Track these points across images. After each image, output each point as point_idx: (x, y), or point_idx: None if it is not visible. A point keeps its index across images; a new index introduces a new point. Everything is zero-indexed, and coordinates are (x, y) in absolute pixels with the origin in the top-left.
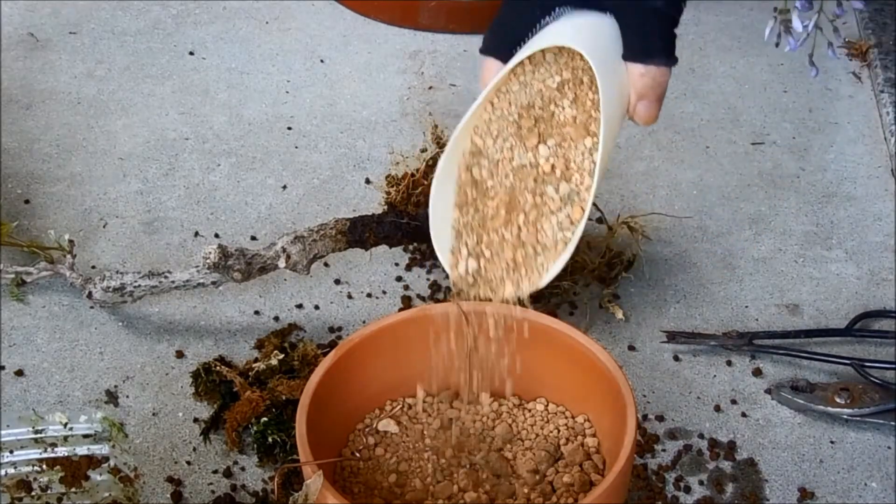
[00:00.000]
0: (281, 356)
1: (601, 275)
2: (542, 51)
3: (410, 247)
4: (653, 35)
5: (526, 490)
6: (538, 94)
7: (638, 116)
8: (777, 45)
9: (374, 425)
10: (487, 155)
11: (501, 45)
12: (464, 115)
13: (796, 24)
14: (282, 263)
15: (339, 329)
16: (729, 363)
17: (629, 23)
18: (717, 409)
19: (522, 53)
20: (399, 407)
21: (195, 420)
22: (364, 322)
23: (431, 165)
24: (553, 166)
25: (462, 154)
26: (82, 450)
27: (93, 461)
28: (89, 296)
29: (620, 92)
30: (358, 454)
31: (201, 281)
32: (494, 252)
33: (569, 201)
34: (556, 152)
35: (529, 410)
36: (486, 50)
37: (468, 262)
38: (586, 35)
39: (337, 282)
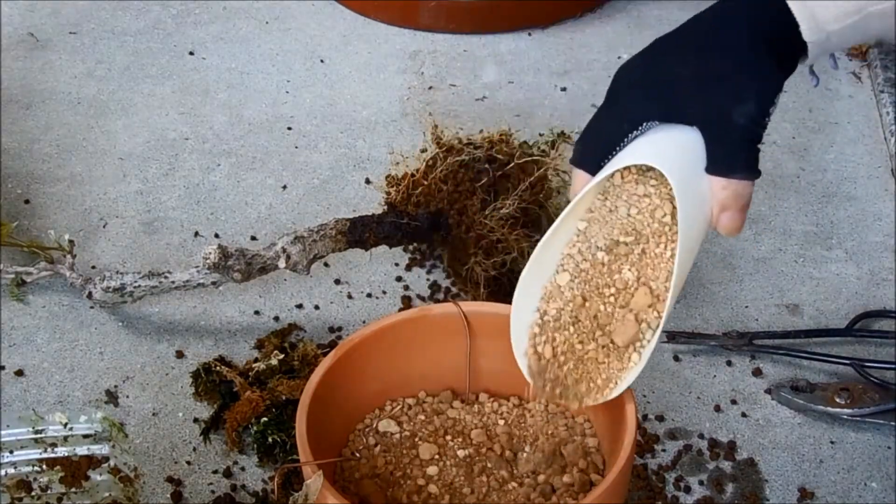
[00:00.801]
0: (281, 356)
1: None
2: (630, 168)
3: (410, 247)
4: (736, 150)
5: (526, 490)
6: (626, 218)
7: (721, 227)
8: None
9: (374, 425)
10: (571, 275)
11: (590, 158)
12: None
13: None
14: (282, 264)
15: (339, 329)
16: (729, 363)
17: (713, 137)
18: (717, 409)
19: (605, 171)
20: (399, 407)
21: (195, 420)
22: (364, 322)
23: (431, 165)
24: (636, 279)
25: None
26: (82, 450)
27: (93, 461)
28: (89, 296)
29: (701, 205)
30: (358, 454)
31: (201, 281)
32: (571, 358)
33: (646, 312)
34: (638, 265)
35: (529, 410)
36: (575, 161)
37: (549, 367)
38: (668, 152)
39: (337, 282)
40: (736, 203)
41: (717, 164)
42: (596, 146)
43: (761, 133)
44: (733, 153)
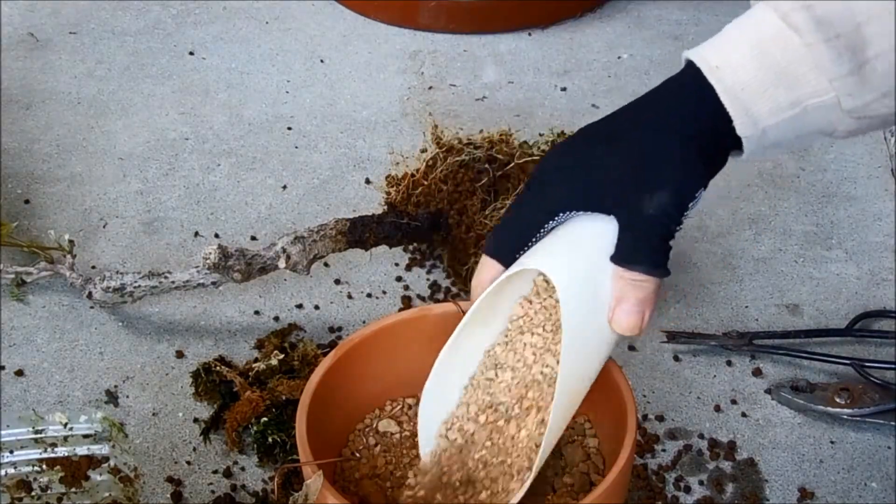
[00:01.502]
0: (281, 356)
1: None
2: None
3: (410, 247)
4: (640, 242)
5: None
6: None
7: (614, 322)
8: None
9: (374, 425)
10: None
11: (504, 248)
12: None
13: None
14: (282, 264)
15: (339, 329)
16: (729, 363)
17: (622, 227)
18: (717, 409)
19: (497, 281)
20: (399, 407)
21: (195, 420)
22: (364, 322)
23: (431, 165)
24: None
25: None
26: (82, 450)
27: (93, 461)
28: (89, 296)
29: (598, 305)
30: (358, 454)
31: (201, 281)
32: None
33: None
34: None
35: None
36: (489, 251)
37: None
38: (566, 250)
39: (337, 282)
40: (633, 295)
41: (620, 253)
42: (511, 236)
43: (673, 228)
44: (637, 244)
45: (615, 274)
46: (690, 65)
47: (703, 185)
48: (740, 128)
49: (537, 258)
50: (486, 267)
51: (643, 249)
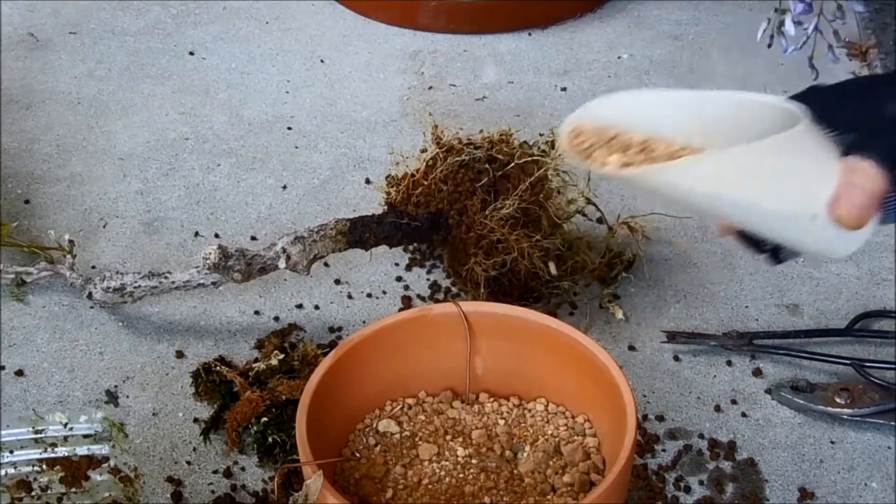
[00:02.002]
0: (281, 356)
1: (601, 275)
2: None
3: (410, 247)
4: (881, 136)
5: (526, 490)
6: None
7: (841, 211)
8: (769, 45)
9: (374, 425)
10: None
11: None
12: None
13: (788, 26)
14: (282, 264)
15: (339, 329)
16: (729, 363)
17: (863, 129)
18: (718, 409)
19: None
20: (399, 407)
21: (195, 420)
22: (364, 322)
23: (431, 165)
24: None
25: None
26: (82, 450)
27: (93, 461)
28: (89, 296)
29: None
30: (358, 454)
31: (201, 281)
32: None
33: None
34: None
35: (529, 410)
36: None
37: None
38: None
39: (337, 282)
40: (863, 185)
41: (858, 143)
42: None
43: None
44: (877, 137)
45: (843, 167)
46: None
47: None
48: None
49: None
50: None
51: (882, 143)
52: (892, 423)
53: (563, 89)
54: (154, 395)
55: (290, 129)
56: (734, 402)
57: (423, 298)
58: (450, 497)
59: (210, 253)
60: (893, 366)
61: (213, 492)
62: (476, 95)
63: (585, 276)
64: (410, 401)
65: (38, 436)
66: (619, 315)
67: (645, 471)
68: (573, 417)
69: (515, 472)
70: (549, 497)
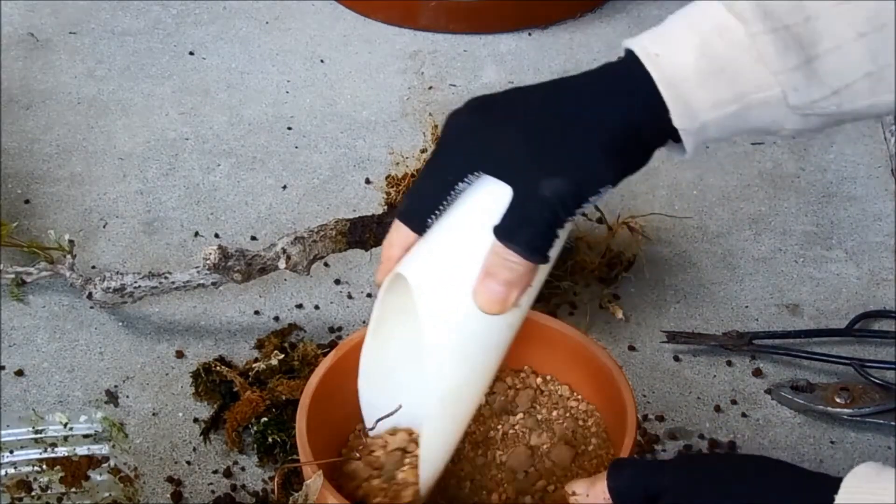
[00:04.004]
0: (281, 356)
1: (601, 275)
2: None
3: None
4: (524, 221)
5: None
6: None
7: (475, 295)
8: None
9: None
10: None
11: (414, 214)
12: None
13: None
14: (282, 264)
15: (339, 329)
16: (729, 363)
17: (513, 202)
18: (718, 409)
19: (382, 290)
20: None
21: (195, 420)
22: (364, 322)
23: None
24: None
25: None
26: (82, 450)
27: (93, 461)
28: (89, 296)
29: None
30: (358, 454)
31: (201, 282)
32: None
33: None
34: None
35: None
36: (401, 215)
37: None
38: (439, 247)
39: (337, 282)
40: (502, 274)
41: (501, 227)
42: (422, 201)
43: (563, 218)
44: (521, 222)
45: (491, 248)
46: (630, 53)
47: (610, 182)
48: (677, 119)
49: (408, 260)
50: (397, 231)
51: (525, 229)
52: (892, 423)
53: None
54: (154, 395)
55: (290, 129)
56: (734, 402)
57: None
58: (450, 496)
59: (210, 253)
60: (893, 366)
61: (213, 492)
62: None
63: (585, 276)
64: None
65: (38, 436)
66: (619, 315)
67: None
68: (575, 420)
69: (512, 471)
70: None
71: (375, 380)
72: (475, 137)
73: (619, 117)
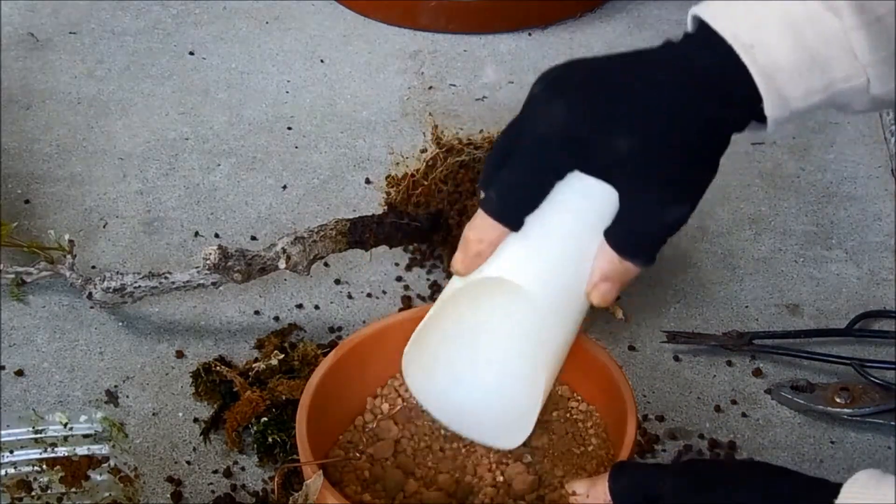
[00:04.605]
0: (281, 356)
1: None
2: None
3: (410, 247)
4: (647, 242)
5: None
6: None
7: (594, 294)
8: None
9: (374, 425)
10: None
11: (512, 212)
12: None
13: None
14: (282, 264)
15: (339, 329)
16: (729, 363)
17: (632, 220)
18: (718, 409)
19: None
20: (399, 408)
21: (195, 420)
22: (364, 322)
23: (431, 166)
24: None
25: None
26: (82, 450)
27: (93, 461)
28: (89, 296)
29: (580, 267)
30: (358, 454)
31: (201, 282)
32: None
33: None
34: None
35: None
36: (494, 212)
37: None
38: (548, 250)
39: (337, 282)
40: (618, 279)
41: (619, 241)
42: (522, 199)
43: (675, 230)
44: (641, 240)
45: (606, 253)
46: (714, 35)
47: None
48: (771, 109)
49: (511, 262)
50: (492, 227)
51: (646, 246)
52: (892, 423)
53: None
54: (154, 395)
55: (290, 129)
56: (734, 402)
57: (423, 298)
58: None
59: (210, 253)
60: (893, 366)
61: (213, 492)
62: (476, 95)
63: None
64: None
65: (38, 436)
66: (619, 315)
67: None
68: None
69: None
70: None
71: (425, 364)
72: (580, 135)
73: (727, 119)
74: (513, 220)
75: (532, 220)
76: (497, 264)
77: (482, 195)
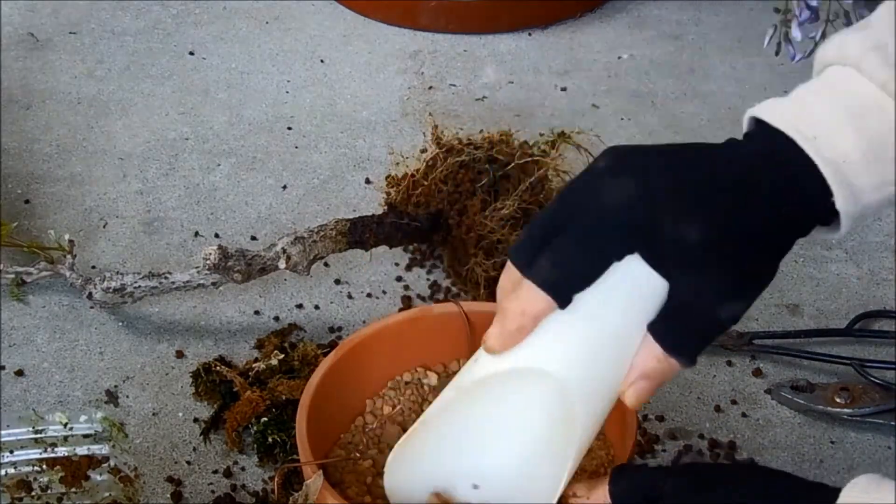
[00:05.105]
0: (281, 356)
1: None
2: None
3: (410, 247)
4: (696, 339)
5: None
6: None
7: (631, 394)
8: (777, 53)
9: (375, 425)
10: None
11: (564, 288)
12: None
13: (795, 33)
14: (282, 264)
15: (339, 329)
16: (729, 363)
17: (682, 315)
18: (718, 409)
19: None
20: (398, 408)
21: (195, 420)
22: (364, 322)
23: (431, 166)
24: None
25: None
26: (82, 450)
27: (93, 461)
28: (89, 296)
29: (621, 359)
30: (358, 454)
31: (201, 282)
32: None
33: None
34: None
35: None
36: (544, 283)
37: None
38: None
39: (337, 282)
40: (658, 378)
41: (666, 338)
42: (577, 276)
43: (726, 328)
44: (690, 339)
45: (649, 349)
46: (774, 132)
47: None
48: (842, 203)
49: (547, 349)
50: (537, 300)
51: (693, 343)
52: (892, 423)
53: (563, 89)
54: (154, 395)
55: (290, 129)
56: (734, 402)
57: (423, 298)
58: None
59: (210, 253)
60: (893, 366)
61: (213, 492)
62: (476, 95)
63: None
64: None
65: (38, 436)
66: None
67: None
68: None
69: None
70: None
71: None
72: (648, 217)
73: (791, 218)
74: (564, 295)
75: (577, 302)
76: (532, 350)
77: (516, 259)
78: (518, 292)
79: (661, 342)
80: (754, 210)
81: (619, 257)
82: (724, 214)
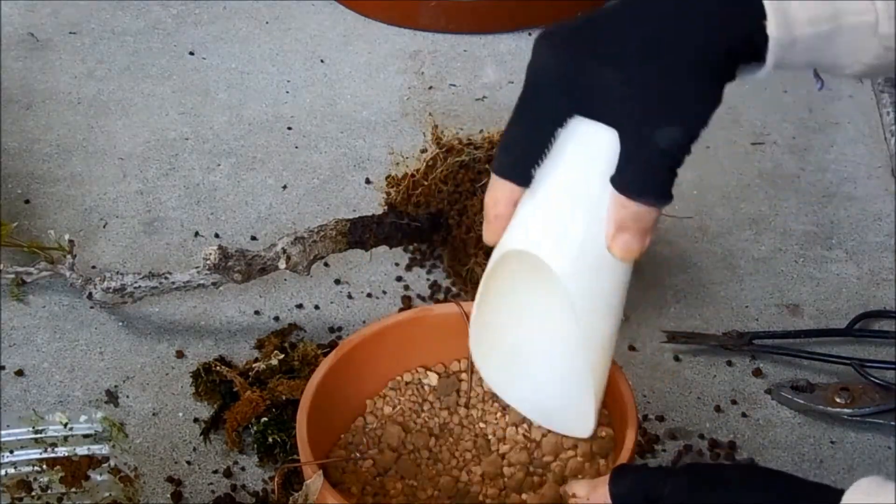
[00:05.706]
0: (281, 356)
1: None
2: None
3: (410, 247)
4: (648, 174)
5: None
6: None
7: (615, 248)
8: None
9: (376, 426)
10: None
11: (517, 166)
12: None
13: None
14: (282, 264)
15: (339, 329)
16: (729, 363)
17: (628, 154)
18: (718, 409)
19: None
20: (399, 408)
21: (195, 420)
22: (364, 322)
23: (431, 166)
24: None
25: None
26: (82, 450)
27: (93, 461)
28: (89, 296)
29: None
30: (358, 454)
31: (201, 282)
32: None
33: None
34: None
35: None
36: (500, 171)
37: None
38: (561, 210)
39: (337, 282)
40: (635, 225)
41: (624, 182)
42: (524, 151)
43: (682, 159)
44: (645, 176)
45: (615, 200)
46: None
47: (717, 106)
48: (774, 29)
49: (525, 229)
50: (501, 187)
51: (651, 181)
52: (892, 423)
53: None
54: (154, 395)
55: (290, 129)
56: (734, 402)
57: (423, 298)
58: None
59: (210, 253)
60: (893, 366)
61: (213, 492)
62: (476, 95)
63: None
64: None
65: (38, 436)
66: None
67: None
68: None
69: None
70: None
71: (489, 347)
72: (573, 78)
73: (721, 38)
74: (518, 174)
75: (541, 173)
76: (515, 234)
77: (490, 167)
78: (488, 185)
79: (618, 187)
80: (676, 38)
81: (558, 122)
82: (638, 48)
